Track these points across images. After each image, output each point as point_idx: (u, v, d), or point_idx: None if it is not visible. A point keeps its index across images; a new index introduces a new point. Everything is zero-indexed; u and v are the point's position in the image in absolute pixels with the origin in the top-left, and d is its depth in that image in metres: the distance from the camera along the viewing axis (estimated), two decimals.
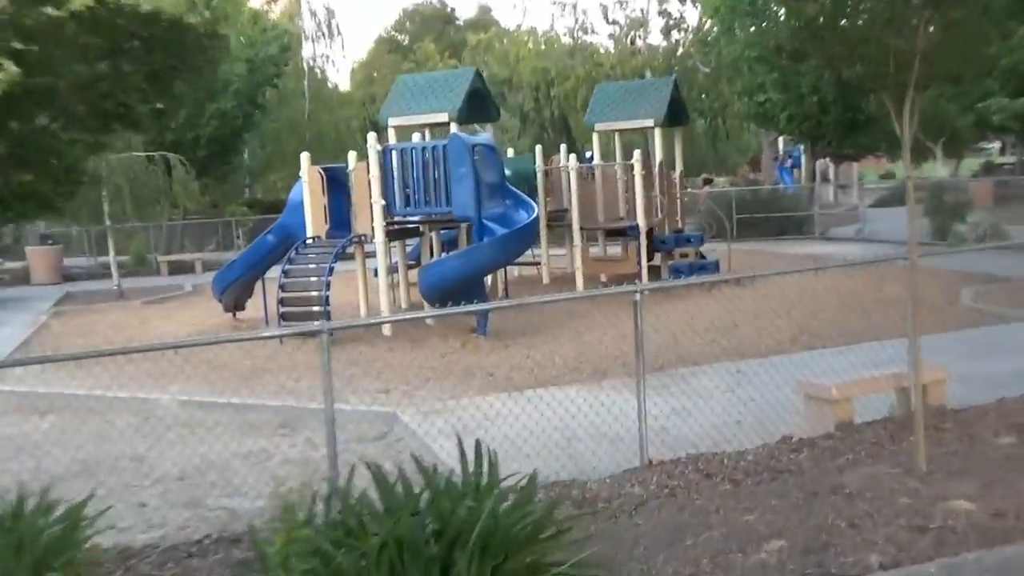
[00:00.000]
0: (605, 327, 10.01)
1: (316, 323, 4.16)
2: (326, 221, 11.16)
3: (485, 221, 10.66)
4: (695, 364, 8.47)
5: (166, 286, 17.77)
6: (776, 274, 11.94)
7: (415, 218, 11.47)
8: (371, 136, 11.02)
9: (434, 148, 10.87)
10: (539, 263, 14.75)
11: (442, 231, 13.20)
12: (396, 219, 11.41)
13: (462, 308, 5.26)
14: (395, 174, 10.98)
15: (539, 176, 14.06)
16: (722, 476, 4.84)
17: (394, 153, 11.04)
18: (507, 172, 13.37)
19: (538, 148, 14.55)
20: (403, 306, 12.43)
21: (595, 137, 15.03)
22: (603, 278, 14.24)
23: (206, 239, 23.52)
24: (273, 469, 6.09)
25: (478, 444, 3.47)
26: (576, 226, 13.57)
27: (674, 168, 15.38)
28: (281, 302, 10.44)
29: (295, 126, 29.32)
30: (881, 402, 5.93)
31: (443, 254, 12.12)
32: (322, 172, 11.25)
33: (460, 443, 3.67)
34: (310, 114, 30.78)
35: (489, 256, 10.39)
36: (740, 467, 5.01)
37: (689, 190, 19.52)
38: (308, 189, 11.20)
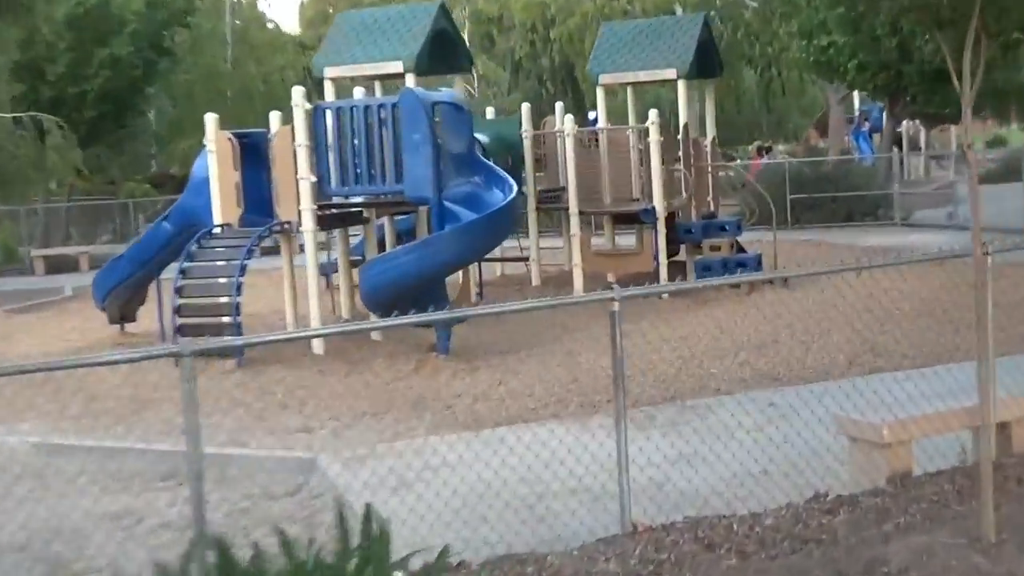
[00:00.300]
0: (606, 344, 9.83)
1: (174, 344, 4.05)
2: (239, 204, 11.17)
3: (447, 204, 10.68)
4: (717, 393, 8.56)
5: (40, 289, 17.83)
6: (817, 274, 11.99)
7: (357, 199, 11.56)
8: (297, 92, 10.98)
9: (380, 108, 10.89)
10: (527, 258, 14.87)
11: (397, 217, 13.22)
12: (333, 201, 11.48)
13: (409, 318, 5.16)
14: (330, 142, 11.03)
15: (526, 144, 14.13)
16: (728, 547, 4.78)
17: (328, 114, 11.06)
18: (484, 139, 13.53)
19: (525, 107, 14.66)
20: (344, 315, 12.48)
21: (600, 93, 15.06)
22: (611, 278, 14.36)
23: (98, 227, 23.43)
24: (142, 536, 6.02)
25: (368, 510, 3.42)
26: (573, 210, 13.64)
27: (704, 134, 15.41)
28: (178, 311, 10.40)
29: (214, 78, 29.17)
30: (953, 446, 5.89)
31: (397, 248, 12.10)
32: (235, 139, 11.25)
33: (340, 511, 3.61)
34: (234, 62, 30.70)
35: (451, 250, 10.44)
36: (754, 535, 4.95)
37: (736, 163, 19.54)
38: (216, 162, 11.18)
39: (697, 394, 8.53)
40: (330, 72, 11.88)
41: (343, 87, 12.61)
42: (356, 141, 10.92)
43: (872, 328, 10.34)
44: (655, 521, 5.22)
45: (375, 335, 11.30)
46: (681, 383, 8.97)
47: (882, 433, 5.52)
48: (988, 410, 4.34)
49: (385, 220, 13.27)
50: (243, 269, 10.39)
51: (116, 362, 4.03)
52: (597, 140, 14.41)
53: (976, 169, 4.49)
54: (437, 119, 10.77)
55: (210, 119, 11.31)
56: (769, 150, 35.21)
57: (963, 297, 11.37)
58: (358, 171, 10.97)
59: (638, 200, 14.02)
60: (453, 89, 13.26)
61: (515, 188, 10.73)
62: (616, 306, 4.78)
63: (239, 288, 10.29)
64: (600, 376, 9.14)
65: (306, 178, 10.91)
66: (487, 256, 13.62)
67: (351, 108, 11.03)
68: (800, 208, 20.99)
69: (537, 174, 14.55)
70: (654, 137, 13.29)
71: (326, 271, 13.09)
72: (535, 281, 14.80)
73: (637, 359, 9.32)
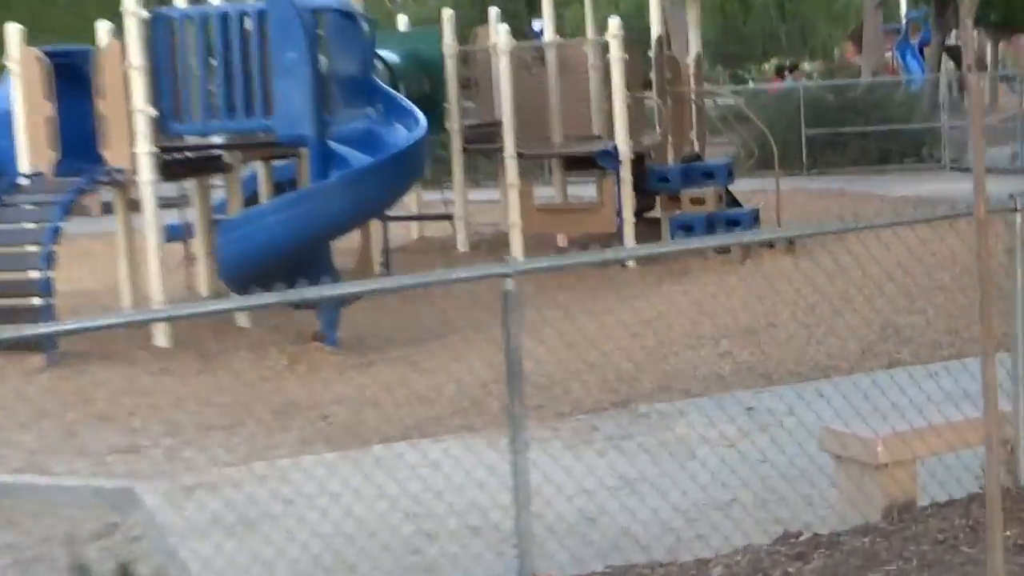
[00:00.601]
0: (554, 327, 10.20)
1: None
2: (53, 146, 11.16)
3: (333, 145, 10.75)
4: (684, 395, 8.66)
5: None
6: (811, 235, 12.11)
7: (215, 140, 11.75)
8: None
9: (243, 17, 10.88)
10: (452, 216, 15.19)
11: (273, 163, 13.19)
12: (182, 142, 11.70)
13: (259, 298, 5.09)
14: (176, 62, 11.07)
15: (449, 64, 14.26)
16: None
17: (173, 25, 11.10)
18: (393, 58, 13.58)
19: (447, 15, 14.70)
20: (205, 295, 12.61)
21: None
22: (561, 241, 14.74)
23: None
24: None
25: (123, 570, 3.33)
26: (511, 151, 13.81)
27: (687, 49, 15.55)
28: None
29: None
30: (973, 465, 5.82)
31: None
32: (46, 58, 11.20)
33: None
34: None
35: (336, 206, 10.57)
36: None
37: (742, 88, 19.72)
38: (21, 89, 11.14)
39: (656, 397, 8.65)
40: None
41: None
42: (211, 61, 11.03)
43: (898, 306, 10.58)
44: (566, 573, 5.18)
45: (242, 321, 11.43)
46: (638, 383, 9.05)
47: (876, 450, 5.48)
48: (993, 420, 4.27)
49: (259, 168, 13.31)
50: (56, 233, 10.42)
51: None
52: (543, 59, 14.66)
53: (981, 99, 4.38)
54: (320, 32, 10.86)
55: (12, 31, 11.20)
56: (794, 69, 35.11)
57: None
58: (214, 102, 11.04)
59: (597, 138, 14.22)
60: None
61: (424, 123, 10.81)
62: (510, 285, 4.65)
63: (50, 259, 10.30)
64: (535, 371, 9.08)
65: (143, 111, 10.87)
66: (394, 213, 13.88)
67: (203, 17, 11.05)
68: (819, 147, 21.20)
69: (465, 105, 14.73)
70: (616, 54, 13.41)
71: (180, 236, 13.19)
72: (462, 246, 15.11)
73: (582, 350, 9.46)
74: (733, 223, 13.48)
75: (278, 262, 10.04)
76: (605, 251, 5.66)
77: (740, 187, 15.64)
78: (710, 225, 13.48)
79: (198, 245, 12.62)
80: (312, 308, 10.60)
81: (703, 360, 9.58)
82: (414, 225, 16.40)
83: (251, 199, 13.66)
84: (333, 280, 10.02)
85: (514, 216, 13.83)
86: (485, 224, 15.89)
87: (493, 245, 14.83)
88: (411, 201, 16.20)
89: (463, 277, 5.21)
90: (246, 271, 10.22)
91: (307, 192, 10.86)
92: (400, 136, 10.92)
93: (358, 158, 10.75)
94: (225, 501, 6.68)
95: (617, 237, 13.23)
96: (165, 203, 12.96)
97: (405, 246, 15.82)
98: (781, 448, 6.56)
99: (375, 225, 13.33)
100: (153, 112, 10.93)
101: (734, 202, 14.81)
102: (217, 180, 13.43)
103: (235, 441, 8.22)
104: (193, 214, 13.00)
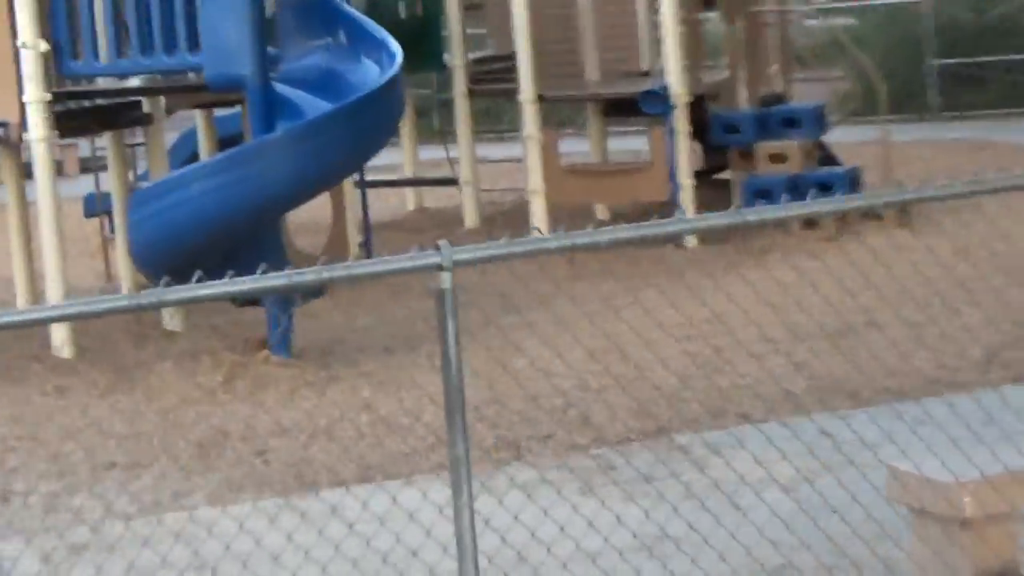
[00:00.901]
0: (580, 329, 10.53)
1: None
2: None
3: (280, 88, 10.87)
4: (743, 421, 8.74)
5: None
6: (925, 199, 12.23)
7: (130, 82, 11.87)
8: None
9: None
10: (456, 180, 15.61)
11: (216, 112, 13.39)
12: (88, 86, 11.85)
13: (188, 290, 5.04)
14: None
15: None
16: None
17: None
18: None
19: None
20: (127, 286, 12.73)
21: None
22: (602, 212, 14.94)
23: None
24: None
25: None
26: (529, 94, 13.95)
27: None
28: None
29: None
30: None
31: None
32: None
33: None
34: None
35: (282, 169, 10.76)
36: None
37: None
38: None
39: (703, 423, 8.77)
40: None
41: None
42: None
43: None
44: None
45: (171, 323, 11.65)
46: (683, 404, 9.16)
47: (961, 502, 5.35)
48: None
49: (198, 119, 13.50)
50: None
51: None
52: None
53: None
54: None
55: None
56: None
57: None
58: (124, 34, 11.15)
59: (645, 75, 14.32)
60: None
61: (399, 58, 10.73)
62: (446, 280, 4.54)
63: None
64: (547, 391, 9.44)
65: (31, 46, 10.98)
66: (385, 177, 14.43)
67: None
68: (953, 83, 21.21)
69: (471, 33, 15.07)
70: None
71: (104, 210, 13.50)
72: (470, 220, 15.31)
73: (613, 360, 9.67)
74: (825, 187, 13.32)
75: (209, 244, 10.27)
76: (614, 229, 5.53)
77: (841, 138, 15.60)
78: (794, 190, 13.39)
79: (117, 220, 12.77)
80: (260, 306, 10.92)
81: (771, 373, 9.60)
82: (410, 193, 16.61)
83: (193, 160, 13.96)
84: (283, 268, 10.16)
85: (535, 180, 13.92)
86: (504, 189, 16.05)
87: (512, 218, 14.93)
88: (406, 161, 16.53)
89: (376, 271, 5.09)
90: (166, 256, 10.41)
91: (244, 151, 10.98)
92: (369, 75, 10.99)
93: (313, 105, 10.88)
94: (126, 565, 6.72)
95: (670, 204, 13.28)
96: (88, 166, 13.14)
97: (397, 220, 16.11)
98: (857, 492, 6.46)
99: (352, 194, 13.57)
100: (45, 47, 11.03)
101: (829, 159, 14.81)
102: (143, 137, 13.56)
103: (141, 485, 8.29)
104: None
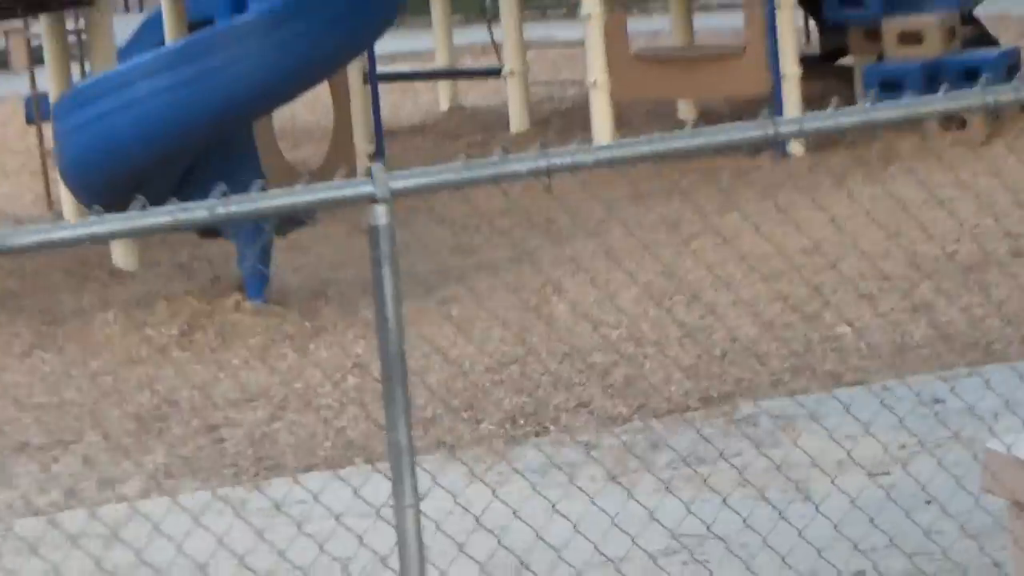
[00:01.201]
0: (651, 255, 10.73)
1: None
2: None
3: None
4: (834, 383, 8.75)
5: None
6: None
7: None
8: None
9: None
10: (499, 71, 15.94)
11: None
12: None
13: (131, 219, 5.20)
14: None
15: None
16: None
17: None
18: None
19: None
20: (71, 212, 13.18)
21: None
22: (686, 111, 15.24)
23: None
24: None
25: None
26: None
27: None
28: None
29: None
30: None
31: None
32: None
33: None
34: None
35: (252, 62, 11.00)
36: None
37: None
38: None
39: (783, 386, 8.87)
40: None
41: None
42: None
43: None
44: None
45: (120, 259, 11.91)
46: (760, 361, 9.18)
47: None
48: None
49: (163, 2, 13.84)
50: None
51: None
52: None
53: None
54: None
55: None
56: None
57: None
58: None
59: None
60: None
61: None
62: (380, 215, 4.61)
63: None
64: (585, 345, 9.56)
65: None
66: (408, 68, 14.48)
67: None
68: None
69: None
70: None
71: (33, 116, 13.99)
72: (516, 122, 15.50)
73: (677, 304, 10.03)
74: (972, 74, 13.22)
75: (158, 159, 10.58)
76: (642, 140, 5.53)
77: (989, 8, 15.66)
78: (931, 79, 13.40)
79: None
80: (224, 237, 11.25)
81: (880, 320, 9.67)
82: (445, 89, 16.77)
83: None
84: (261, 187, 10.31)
85: (597, 70, 14.03)
86: (563, 82, 16.23)
87: (571, 119, 15.19)
88: (439, 47, 16.72)
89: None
90: (103, 175, 10.71)
91: (203, 40, 11.10)
92: None
93: None
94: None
95: (768, 99, 13.38)
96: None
97: (428, 123, 16.41)
98: (964, 478, 6.53)
99: (357, 90, 13.74)
100: None
101: (983, 38, 14.58)
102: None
103: (58, 471, 8.41)
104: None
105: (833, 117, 5.58)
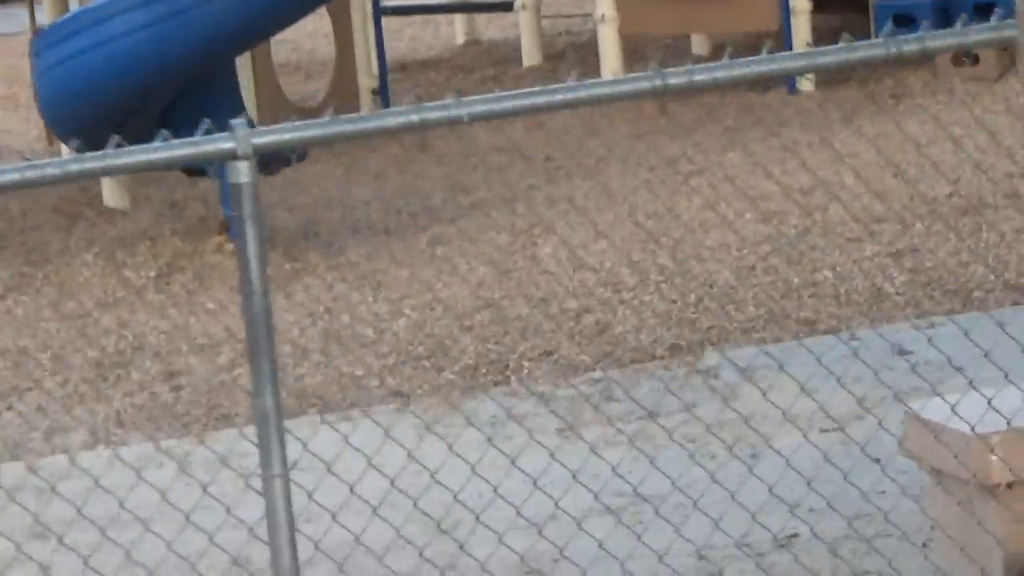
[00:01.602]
0: (649, 192, 10.95)
1: None
2: None
3: None
4: (806, 331, 8.90)
5: None
6: None
7: None
8: None
9: None
10: (510, 5, 16.28)
11: None
12: None
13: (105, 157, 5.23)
14: None
15: None
16: None
17: None
18: None
19: None
20: (67, 151, 13.10)
21: None
22: (700, 47, 15.38)
23: None
24: None
25: None
26: None
27: None
28: None
29: None
30: None
31: None
32: None
33: None
34: None
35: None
36: None
37: None
38: None
39: (753, 335, 9.00)
40: None
41: None
42: None
43: None
44: None
45: (110, 197, 12.12)
46: (734, 307, 9.39)
47: (988, 463, 5.17)
48: None
49: None
50: None
51: None
52: None
53: None
54: None
55: None
56: None
57: None
58: None
59: None
60: None
61: None
62: (242, 172, 4.45)
63: None
64: (562, 290, 9.66)
65: None
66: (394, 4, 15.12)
67: None
68: None
69: None
70: None
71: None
72: (530, 57, 15.77)
73: (663, 246, 9.92)
74: (985, 7, 13.20)
75: (136, 96, 10.89)
76: (583, 84, 5.35)
77: None
78: (943, 12, 13.51)
79: None
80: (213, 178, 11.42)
81: (864, 263, 9.74)
82: (459, 21, 16.98)
83: None
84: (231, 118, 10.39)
85: (604, 4, 14.16)
86: (578, 16, 16.40)
87: (586, 53, 15.34)
88: None
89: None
90: (81, 112, 11.02)
91: None
92: None
93: None
94: None
95: (776, 34, 13.53)
96: None
97: (442, 58, 16.63)
98: None
99: (360, 23, 13.86)
100: None
101: None
102: None
103: (9, 419, 8.55)
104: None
105: (845, 52, 5.42)
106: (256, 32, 11.79)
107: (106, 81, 10.82)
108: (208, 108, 10.43)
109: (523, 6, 15.47)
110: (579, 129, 13.07)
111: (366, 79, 13.69)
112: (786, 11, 14.11)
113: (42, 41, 11.62)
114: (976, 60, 13.47)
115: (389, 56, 15.13)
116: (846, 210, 10.62)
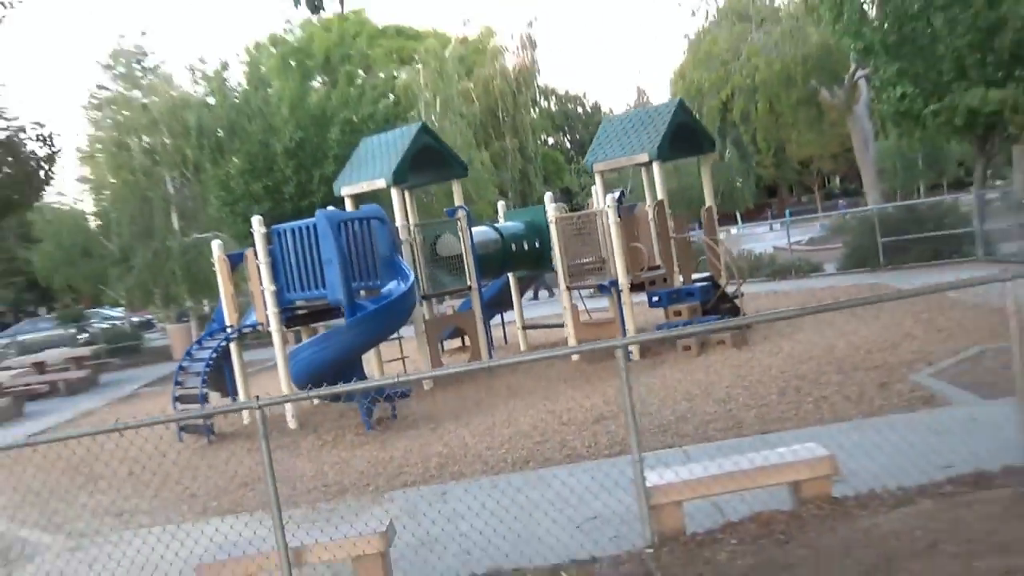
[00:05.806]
0: (586, 393, 16.18)
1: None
2: (236, 308, 22.58)
3: (360, 301, 20.50)
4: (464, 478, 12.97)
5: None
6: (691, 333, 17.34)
7: (302, 302, 22.31)
8: (255, 220, 21.91)
9: (305, 228, 21.40)
10: (561, 324, 26.03)
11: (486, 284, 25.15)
12: (295, 304, 22.15)
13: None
14: (290, 257, 21.54)
15: (553, 228, 25.25)
16: None
17: (286, 234, 21.68)
18: (518, 226, 26.04)
19: (548, 196, 25.90)
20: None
21: (597, 178, 26.34)
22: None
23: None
24: None
25: None
26: (563, 283, 24.49)
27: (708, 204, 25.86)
28: (178, 399, 21.69)
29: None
30: None
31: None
32: (227, 258, 22.34)
33: None
34: None
35: (351, 338, 19.61)
36: None
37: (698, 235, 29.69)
38: (220, 276, 22.49)
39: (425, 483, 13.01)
40: (346, 190, 24.96)
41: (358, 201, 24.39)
42: (296, 256, 21.45)
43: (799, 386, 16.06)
44: None
45: (289, 421, 20.87)
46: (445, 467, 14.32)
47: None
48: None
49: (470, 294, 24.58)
50: (209, 364, 21.88)
51: None
52: (583, 219, 24.82)
53: None
54: (355, 231, 21.20)
55: (216, 247, 23.09)
56: None
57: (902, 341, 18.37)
58: (302, 280, 21.14)
59: (602, 269, 23.76)
60: (373, 205, 23.20)
61: (410, 279, 20.59)
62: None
63: (204, 380, 21.50)
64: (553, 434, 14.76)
65: (267, 288, 21.54)
66: (525, 322, 26.14)
67: (289, 231, 21.63)
68: (893, 251, 33.81)
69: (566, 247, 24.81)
70: (612, 218, 23.88)
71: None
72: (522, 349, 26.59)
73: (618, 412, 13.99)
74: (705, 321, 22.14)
75: (324, 373, 18.48)
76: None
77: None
78: (682, 325, 22.26)
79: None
80: (348, 401, 20.07)
81: (579, 438, 14.77)
82: (511, 332, 28.42)
83: (491, 299, 26.26)
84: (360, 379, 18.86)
85: (568, 327, 23.93)
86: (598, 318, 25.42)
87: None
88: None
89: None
90: (305, 380, 19.21)
91: (329, 334, 19.59)
92: (395, 290, 19.93)
93: (370, 307, 19.76)
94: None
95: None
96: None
97: (504, 345, 27.58)
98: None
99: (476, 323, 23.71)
100: (272, 288, 21.33)
101: (731, 308, 24.28)
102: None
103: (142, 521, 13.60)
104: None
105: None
106: (365, 347, 20.44)
107: (311, 368, 19.62)
108: (350, 374, 19.41)
109: (519, 327, 28.62)
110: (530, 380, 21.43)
111: (484, 351, 25.08)
112: (623, 330, 23.11)
113: (291, 355, 20.43)
114: (688, 347, 21.45)
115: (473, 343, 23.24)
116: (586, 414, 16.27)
